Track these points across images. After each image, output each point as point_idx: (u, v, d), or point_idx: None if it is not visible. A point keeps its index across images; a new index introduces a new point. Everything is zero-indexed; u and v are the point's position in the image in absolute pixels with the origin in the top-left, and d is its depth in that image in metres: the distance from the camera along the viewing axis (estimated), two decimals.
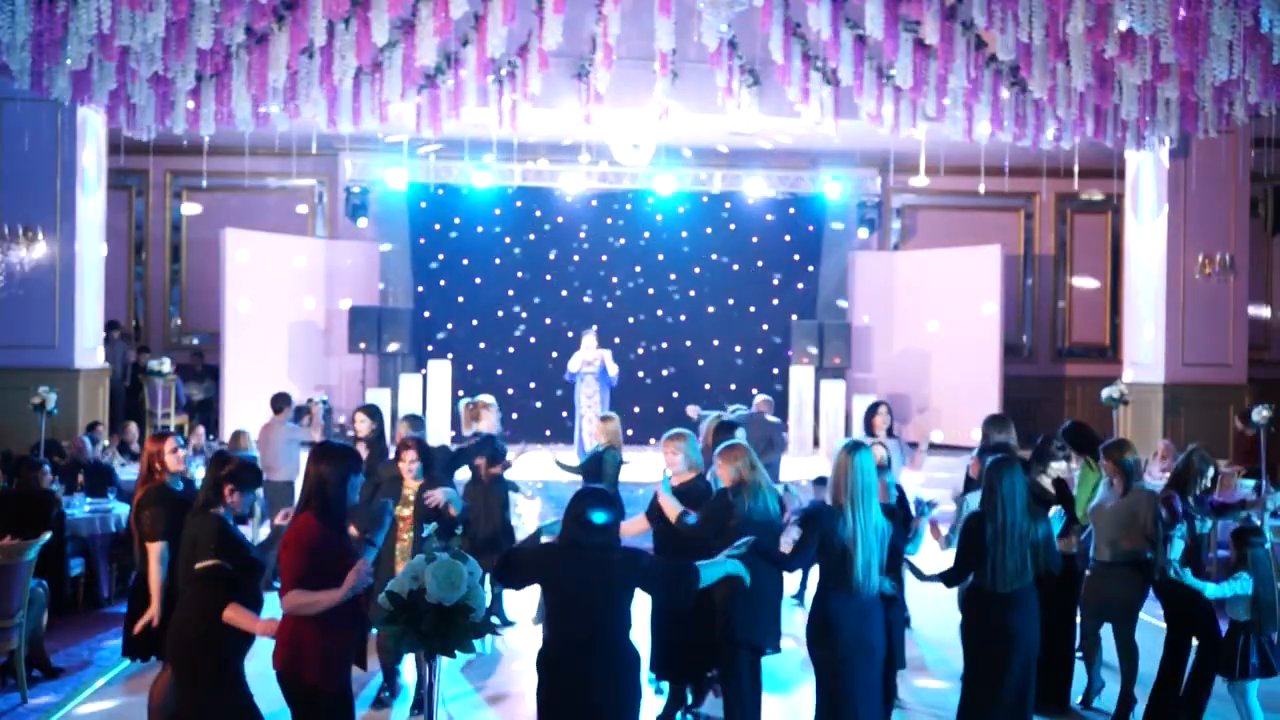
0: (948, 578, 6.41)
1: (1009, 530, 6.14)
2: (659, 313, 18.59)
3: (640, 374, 18.23)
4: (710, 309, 18.66)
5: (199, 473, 8.61)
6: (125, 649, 6.92)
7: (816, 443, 16.93)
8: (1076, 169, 14.59)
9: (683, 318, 18.65)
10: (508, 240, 18.37)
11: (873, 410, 10.71)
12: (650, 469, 8.00)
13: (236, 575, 5.48)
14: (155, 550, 6.43)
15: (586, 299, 18.39)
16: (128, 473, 12.03)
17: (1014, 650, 6.16)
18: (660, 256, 18.61)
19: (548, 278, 18.44)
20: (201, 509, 5.67)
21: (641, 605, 7.20)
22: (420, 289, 18.42)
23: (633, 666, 5.17)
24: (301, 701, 5.21)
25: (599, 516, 5.10)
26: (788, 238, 18.81)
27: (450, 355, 17.70)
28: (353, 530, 5.91)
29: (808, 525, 6.02)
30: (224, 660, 5.47)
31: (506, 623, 9.86)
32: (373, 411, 9.64)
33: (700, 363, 18.65)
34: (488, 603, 5.21)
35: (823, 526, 5.94)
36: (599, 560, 5.08)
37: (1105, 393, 15.04)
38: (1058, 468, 7.92)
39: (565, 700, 5.05)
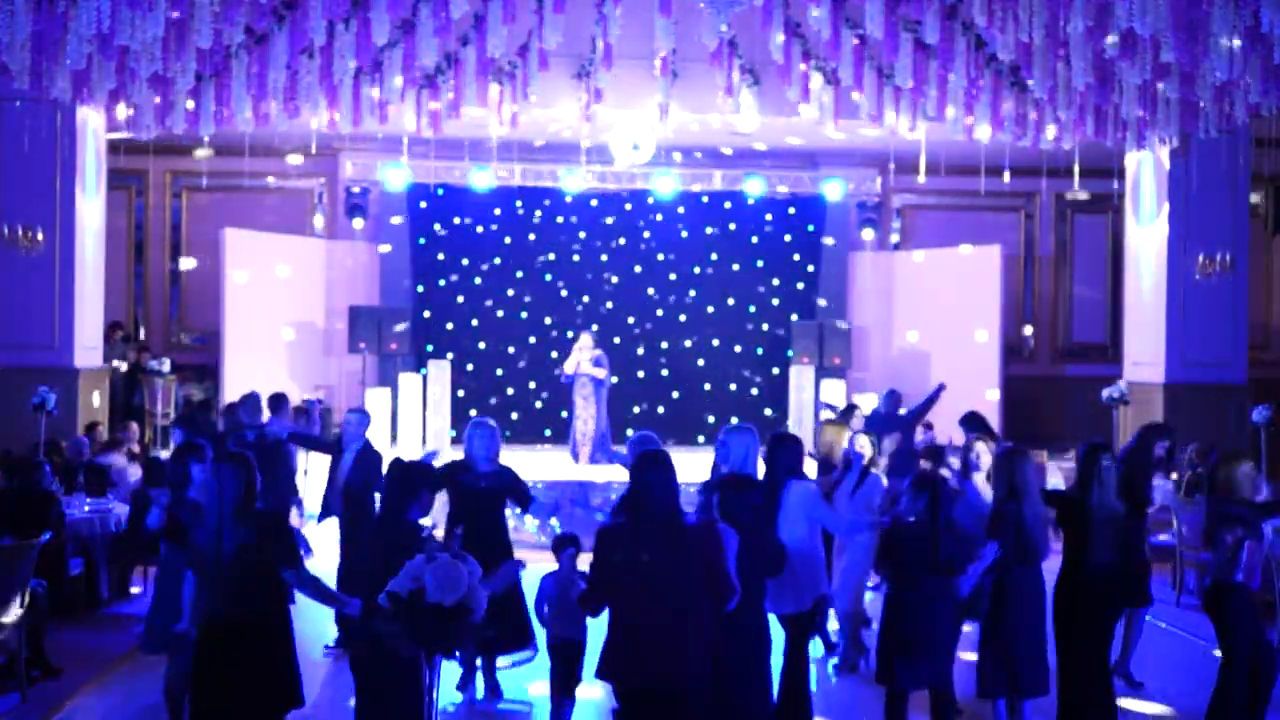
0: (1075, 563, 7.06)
1: (1105, 508, 6.95)
2: (659, 313, 18.58)
3: (640, 374, 18.23)
4: (710, 309, 18.64)
5: None
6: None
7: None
8: (1076, 169, 14.58)
9: (683, 318, 18.64)
10: (508, 240, 18.36)
11: (848, 412, 10.78)
12: None
13: None
14: (299, 573, 5.86)
15: (586, 299, 18.39)
16: (129, 473, 12.03)
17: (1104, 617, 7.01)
18: (660, 256, 18.60)
19: (548, 278, 18.43)
20: (397, 518, 5.61)
21: None
22: (420, 289, 18.42)
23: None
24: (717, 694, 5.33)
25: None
26: (787, 238, 18.80)
27: (450, 355, 17.70)
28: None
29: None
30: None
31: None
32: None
33: (700, 363, 18.64)
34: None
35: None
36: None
37: (1105, 393, 15.04)
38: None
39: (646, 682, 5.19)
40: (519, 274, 18.37)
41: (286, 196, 18.48)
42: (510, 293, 18.35)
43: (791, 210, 18.70)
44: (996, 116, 12.41)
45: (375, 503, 9.37)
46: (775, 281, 18.80)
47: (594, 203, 18.44)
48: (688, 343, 18.60)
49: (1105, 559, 7.04)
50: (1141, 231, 15.75)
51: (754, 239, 18.67)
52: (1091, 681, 7.03)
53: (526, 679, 8.10)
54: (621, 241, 18.55)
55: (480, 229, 18.26)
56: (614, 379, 16.04)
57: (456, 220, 18.31)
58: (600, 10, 11.87)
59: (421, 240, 18.40)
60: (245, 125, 11.95)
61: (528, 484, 8.26)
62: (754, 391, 18.60)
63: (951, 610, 6.64)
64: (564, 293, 18.43)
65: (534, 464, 13.80)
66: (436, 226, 18.35)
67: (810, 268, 18.91)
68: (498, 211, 18.21)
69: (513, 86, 12.56)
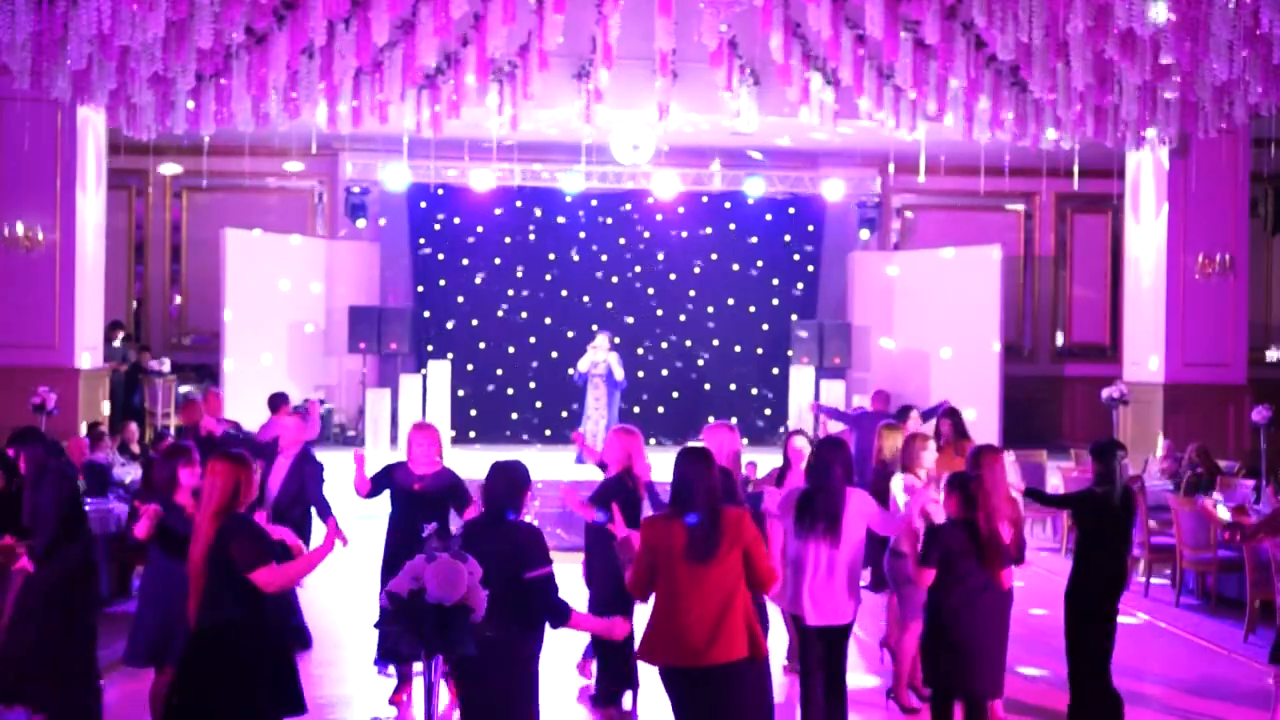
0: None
1: (1119, 505, 7.09)
2: (659, 313, 18.60)
3: (640, 374, 18.24)
4: (710, 309, 18.67)
5: None
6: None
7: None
8: (1076, 169, 14.59)
9: (682, 318, 18.66)
10: (508, 240, 18.38)
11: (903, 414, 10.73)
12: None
13: None
14: (269, 572, 5.49)
15: (586, 299, 18.40)
16: (128, 473, 12.01)
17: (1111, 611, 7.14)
18: (660, 256, 18.62)
19: (548, 278, 18.45)
20: (501, 517, 5.60)
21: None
22: (420, 289, 18.43)
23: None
24: (759, 676, 5.57)
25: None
26: (788, 238, 18.82)
27: (450, 355, 17.70)
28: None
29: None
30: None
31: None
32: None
33: (700, 363, 18.66)
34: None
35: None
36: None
37: (1105, 393, 15.02)
38: None
39: None
40: (519, 274, 18.40)
41: (286, 196, 18.49)
42: (510, 293, 18.37)
43: (791, 210, 18.72)
44: (996, 116, 12.42)
45: (308, 513, 8.88)
46: (775, 281, 18.82)
47: (594, 203, 18.44)
48: (687, 343, 18.62)
49: (1117, 555, 7.19)
50: (1141, 231, 15.75)
51: (754, 239, 18.69)
52: (1099, 674, 7.09)
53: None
54: (621, 241, 18.57)
55: (480, 229, 18.28)
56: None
57: (456, 220, 18.33)
58: (600, 10, 11.87)
59: (421, 240, 18.42)
60: (245, 125, 11.95)
61: (467, 486, 7.87)
62: (754, 391, 18.62)
63: (998, 606, 6.59)
64: (564, 293, 18.44)
65: (533, 464, 13.76)
66: (436, 226, 18.37)
67: (810, 268, 18.94)
68: (498, 211, 18.22)
69: (513, 86, 12.56)
